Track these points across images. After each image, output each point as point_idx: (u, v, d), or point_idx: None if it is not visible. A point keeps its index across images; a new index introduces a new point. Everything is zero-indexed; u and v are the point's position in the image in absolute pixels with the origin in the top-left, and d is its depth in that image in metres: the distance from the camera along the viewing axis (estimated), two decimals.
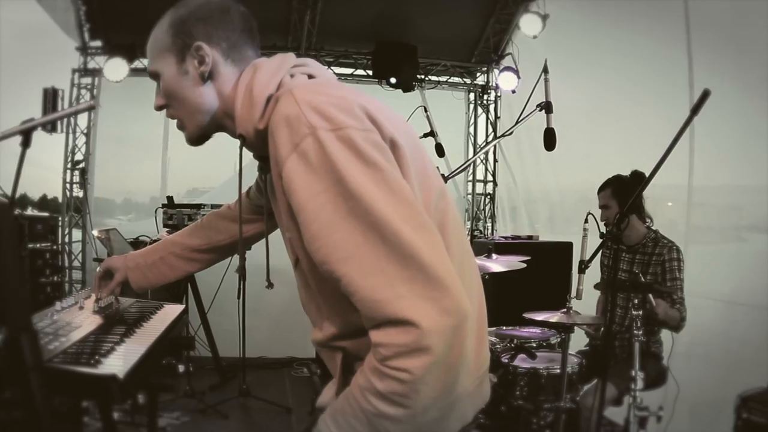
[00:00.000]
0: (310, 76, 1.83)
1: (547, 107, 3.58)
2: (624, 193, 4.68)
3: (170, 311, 2.77)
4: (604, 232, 4.40)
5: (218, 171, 9.28)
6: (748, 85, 5.15)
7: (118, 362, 1.86)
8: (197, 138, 2.00)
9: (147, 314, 2.63)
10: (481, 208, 9.82)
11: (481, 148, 3.44)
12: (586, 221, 4.17)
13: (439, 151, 4.68)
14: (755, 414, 4.09)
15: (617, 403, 4.36)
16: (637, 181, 4.59)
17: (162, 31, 1.89)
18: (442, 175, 2.74)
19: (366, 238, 1.50)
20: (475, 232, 9.32)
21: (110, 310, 2.57)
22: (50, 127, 8.13)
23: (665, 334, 4.67)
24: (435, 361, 1.48)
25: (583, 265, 3.81)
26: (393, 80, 8.29)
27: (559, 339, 4.90)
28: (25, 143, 2.54)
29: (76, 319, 2.29)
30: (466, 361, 1.59)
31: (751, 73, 5.14)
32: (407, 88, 8.49)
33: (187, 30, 1.85)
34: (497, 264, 4.76)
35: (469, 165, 3.47)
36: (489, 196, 9.81)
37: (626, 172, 4.83)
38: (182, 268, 2.67)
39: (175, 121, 2.01)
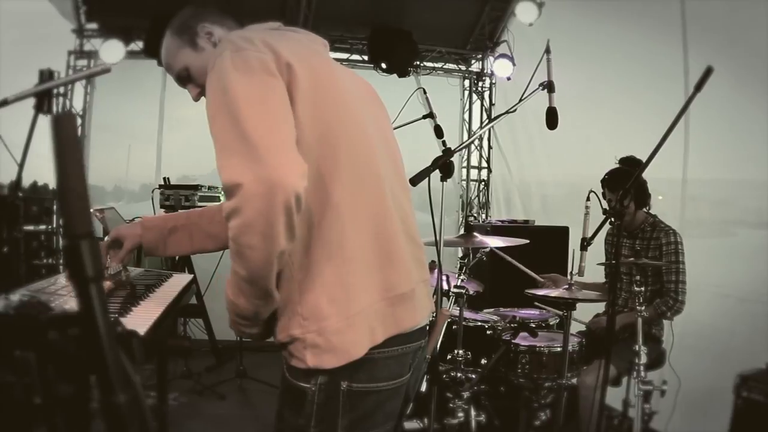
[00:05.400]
0: None
1: (549, 86, 3.58)
2: (617, 185, 4.63)
3: (180, 279, 2.80)
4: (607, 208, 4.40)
5: (209, 159, 9.40)
6: (744, 76, 5.09)
7: (137, 321, 1.88)
8: None
9: (158, 281, 2.65)
10: (476, 194, 9.80)
11: (484, 125, 3.55)
12: (588, 199, 4.15)
13: (438, 132, 4.69)
14: (755, 392, 4.11)
15: (616, 383, 4.38)
16: (630, 165, 4.65)
17: (169, 41, 2.33)
18: (449, 149, 2.83)
19: (225, 124, 1.80)
20: (470, 219, 9.33)
21: (120, 277, 2.58)
22: (46, 108, 8.09)
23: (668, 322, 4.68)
24: (245, 223, 1.72)
25: (585, 242, 3.80)
26: (383, 65, 8.26)
27: (557, 320, 4.99)
28: (39, 107, 2.57)
29: None
30: (287, 233, 1.78)
31: (746, 61, 5.11)
32: (402, 73, 8.47)
33: (187, 26, 2.30)
34: (497, 240, 4.72)
35: (470, 143, 3.57)
36: (483, 183, 9.79)
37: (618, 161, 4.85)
38: (201, 243, 2.66)
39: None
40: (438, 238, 2.91)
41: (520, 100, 3.65)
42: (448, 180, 3.21)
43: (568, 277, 4.26)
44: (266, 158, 1.72)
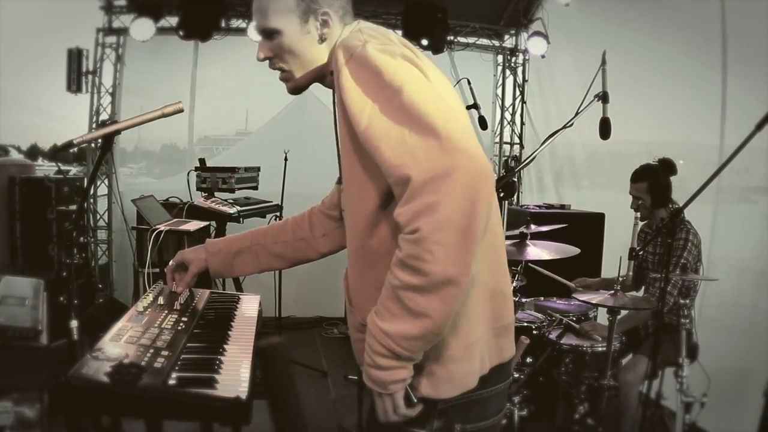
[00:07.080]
0: None
1: (603, 97, 3.65)
2: (659, 190, 4.79)
3: (248, 304, 2.82)
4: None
5: (233, 120, 10.01)
6: None
7: (232, 378, 1.87)
8: (301, 88, 2.21)
9: (230, 311, 2.66)
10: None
11: (542, 143, 3.64)
12: (637, 210, 4.75)
13: (482, 123, 4.65)
14: None
15: (652, 376, 4.40)
16: (666, 169, 4.79)
17: None
18: (511, 168, 2.79)
19: (398, 120, 1.71)
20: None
21: (191, 305, 2.63)
22: (75, 87, 8.08)
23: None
24: (444, 218, 1.62)
25: (634, 253, 3.94)
26: (424, 42, 8.16)
27: (595, 312, 5.17)
28: (105, 147, 2.54)
29: (164, 323, 2.32)
30: (479, 229, 1.66)
31: None
32: (437, 50, 8.38)
33: None
34: (547, 251, 4.65)
35: (531, 161, 3.65)
36: (515, 159, 9.54)
37: (650, 139, 5.26)
38: (268, 263, 2.68)
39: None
40: None
41: (577, 113, 3.73)
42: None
43: (614, 284, 4.25)
44: (463, 147, 1.65)
